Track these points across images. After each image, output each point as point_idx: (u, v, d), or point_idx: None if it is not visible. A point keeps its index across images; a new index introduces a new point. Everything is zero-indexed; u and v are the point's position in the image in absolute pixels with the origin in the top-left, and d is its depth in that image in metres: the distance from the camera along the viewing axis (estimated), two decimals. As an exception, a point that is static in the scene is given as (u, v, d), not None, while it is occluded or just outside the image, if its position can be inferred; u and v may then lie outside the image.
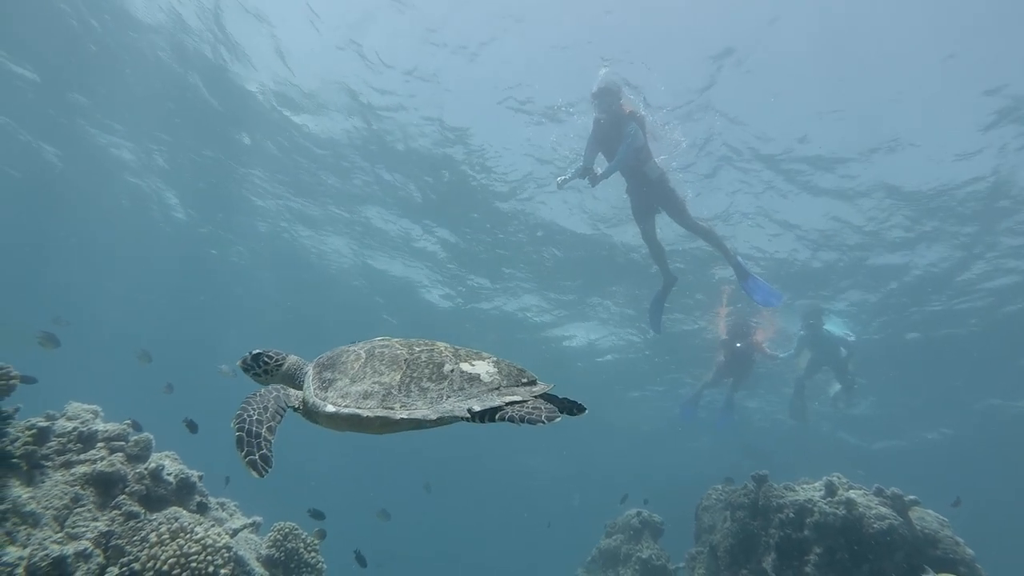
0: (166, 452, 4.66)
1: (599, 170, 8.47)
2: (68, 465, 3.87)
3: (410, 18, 10.86)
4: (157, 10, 10.98)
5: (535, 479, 35.56)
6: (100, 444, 4.20)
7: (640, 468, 29.15)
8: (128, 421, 4.53)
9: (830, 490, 5.90)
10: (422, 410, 1.90)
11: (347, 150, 14.09)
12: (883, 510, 5.54)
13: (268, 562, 4.61)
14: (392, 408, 1.91)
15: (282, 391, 2.12)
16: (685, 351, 18.77)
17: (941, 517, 5.73)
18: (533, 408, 1.84)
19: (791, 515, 5.94)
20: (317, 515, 6.83)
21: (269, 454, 1.88)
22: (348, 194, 15.51)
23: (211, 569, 3.57)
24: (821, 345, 14.18)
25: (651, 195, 9.24)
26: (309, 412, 2.07)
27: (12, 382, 3.22)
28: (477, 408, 1.86)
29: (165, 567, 3.43)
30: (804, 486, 6.36)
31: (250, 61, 12.11)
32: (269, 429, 1.94)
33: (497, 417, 1.84)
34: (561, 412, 1.89)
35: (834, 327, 14.93)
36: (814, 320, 14.01)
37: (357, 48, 11.59)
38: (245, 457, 1.83)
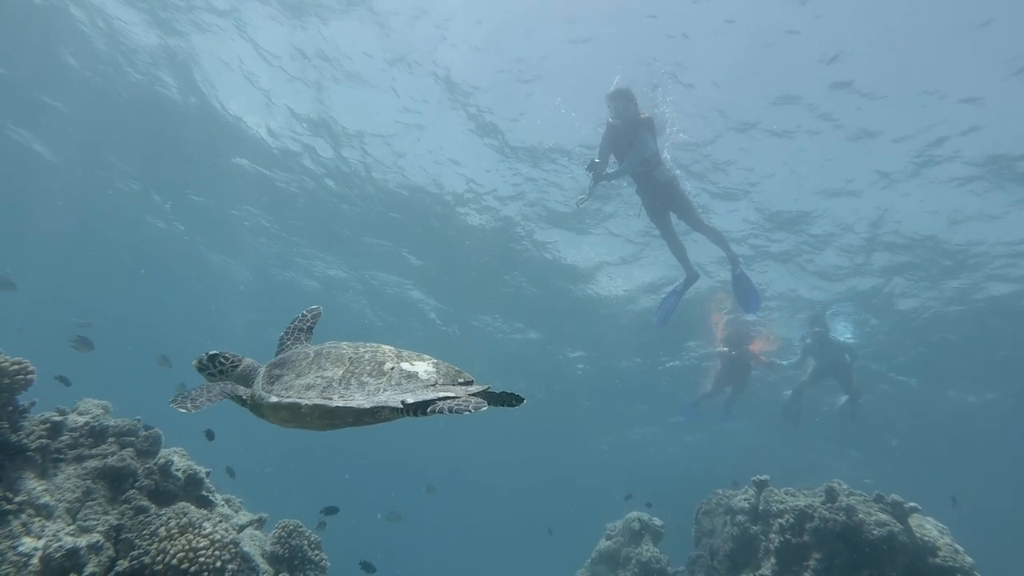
0: (174, 448, 4.73)
1: (608, 172, 8.58)
2: (80, 459, 3.93)
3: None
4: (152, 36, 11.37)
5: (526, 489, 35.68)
6: (111, 439, 4.26)
7: (639, 472, 29.16)
8: (137, 418, 4.60)
9: (830, 496, 5.93)
10: (358, 400, 2.00)
11: (348, 179, 14.69)
12: (883, 516, 5.57)
13: (272, 559, 4.67)
14: (330, 399, 2.02)
15: (230, 384, 2.25)
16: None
17: (940, 524, 5.76)
18: (463, 401, 1.95)
19: (791, 520, 5.97)
20: (331, 511, 7.08)
21: (200, 407, 2.04)
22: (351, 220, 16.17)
23: (219, 564, 3.63)
24: (827, 353, 14.12)
25: (661, 197, 9.35)
26: (255, 405, 2.19)
27: (29, 377, 3.30)
28: (410, 400, 1.97)
29: (174, 561, 3.48)
30: (805, 491, 6.39)
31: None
32: (207, 399, 2.08)
33: (428, 410, 1.96)
34: (501, 405, 2.04)
35: (839, 330, 14.93)
36: (820, 327, 13.98)
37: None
38: (179, 406, 2.00)
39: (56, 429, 3.89)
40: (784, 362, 15.20)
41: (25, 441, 3.42)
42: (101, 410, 4.48)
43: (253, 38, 11.28)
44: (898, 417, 20.09)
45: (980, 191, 11.65)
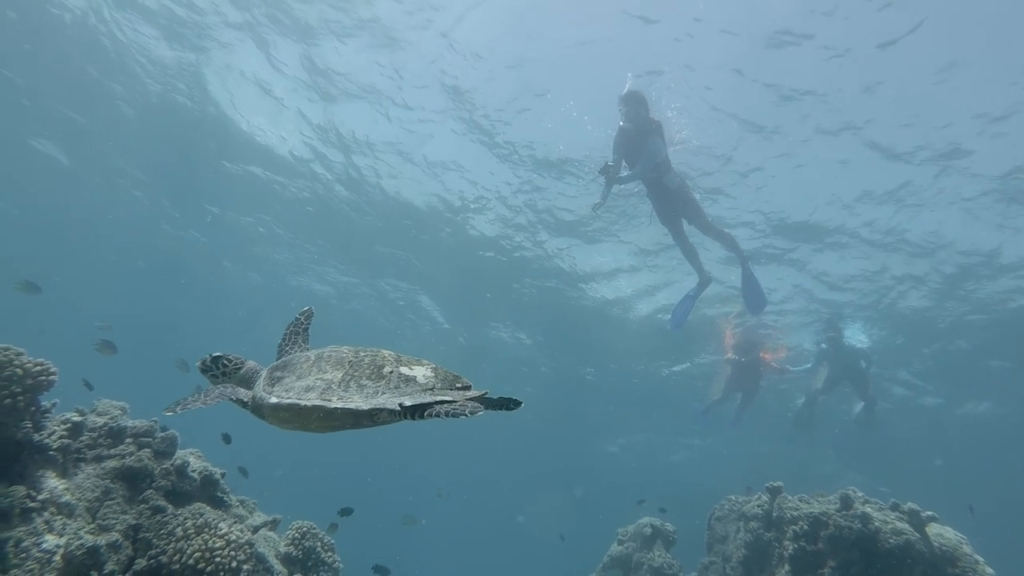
0: (190, 449, 4.79)
1: (621, 176, 8.60)
2: (99, 459, 4.00)
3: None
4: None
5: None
6: (128, 440, 4.32)
7: (650, 477, 28.99)
8: (154, 419, 4.66)
9: (845, 503, 5.86)
10: (356, 401, 2.04)
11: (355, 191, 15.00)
12: (899, 525, 5.49)
13: (286, 560, 4.71)
14: (329, 400, 2.05)
15: (230, 387, 2.29)
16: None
17: (960, 534, 5.65)
18: (460, 405, 1.98)
19: (805, 527, 5.90)
20: (346, 512, 7.20)
21: (190, 408, 2.10)
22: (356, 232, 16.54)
23: (234, 564, 3.67)
24: (842, 359, 13.95)
25: (670, 202, 9.36)
26: (256, 406, 2.22)
27: (51, 378, 3.36)
28: (408, 403, 2.00)
29: (191, 561, 3.53)
30: (819, 498, 6.32)
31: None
32: (202, 402, 2.14)
33: (426, 414, 1.99)
34: (498, 408, 2.05)
35: (853, 335, 14.74)
36: (834, 332, 13.82)
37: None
38: (169, 411, 2.07)
39: (76, 429, 3.96)
40: (797, 368, 15.06)
41: (47, 441, 3.49)
42: (119, 411, 4.55)
43: (267, 51, 11.48)
44: (915, 426, 19.80)
45: (990, 203, 11.57)
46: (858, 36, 9.44)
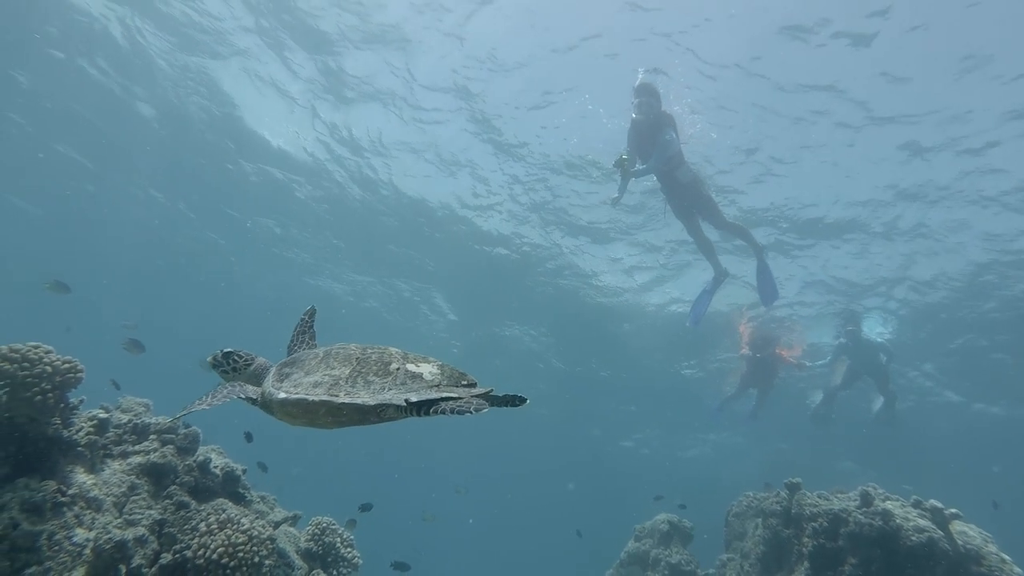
0: (212, 446, 4.88)
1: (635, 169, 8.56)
2: (124, 455, 4.09)
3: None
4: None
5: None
6: (152, 436, 4.41)
7: (667, 473, 28.86)
8: (177, 416, 4.74)
9: (866, 500, 5.78)
10: (363, 397, 2.05)
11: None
12: (922, 522, 5.40)
13: (307, 555, 4.77)
14: (336, 395, 2.07)
15: (239, 385, 2.33)
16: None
17: (985, 533, 5.55)
18: (465, 402, 1.98)
19: (825, 524, 5.84)
20: (365, 508, 7.31)
21: (194, 411, 2.16)
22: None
23: (256, 559, 3.74)
24: (861, 353, 13.75)
25: (684, 197, 9.29)
26: (265, 402, 2.26)
27: (79, 375, 3.45)
28: (414, 399, 2.01)
29: (214, 555, 3.60)
30: (839, 495, 6.25)
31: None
32: (209, 403, 2.18)
33: (432, 410, 2.00)
34: (504, 406, 2.07)
35: (871, 328, 14.51)
36: (853, 327, 13.62)
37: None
38: (175, 417, 2.18)
39: (102, 426, 4.05)
40: (813, 363, 14.88)
41: (75, 437, 3.58)
42: (143, 408, 4.64)
43: (282, 54, 11.61)
44: (939, 423, 19.43)
45: (1016, 201, 11.31)
46: (880, 27, 9.26)
